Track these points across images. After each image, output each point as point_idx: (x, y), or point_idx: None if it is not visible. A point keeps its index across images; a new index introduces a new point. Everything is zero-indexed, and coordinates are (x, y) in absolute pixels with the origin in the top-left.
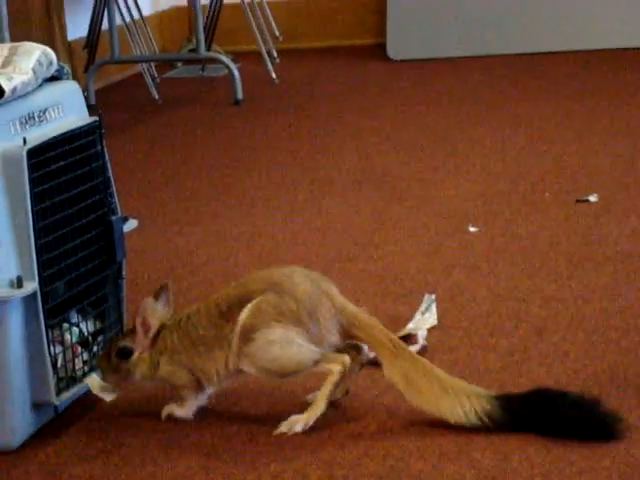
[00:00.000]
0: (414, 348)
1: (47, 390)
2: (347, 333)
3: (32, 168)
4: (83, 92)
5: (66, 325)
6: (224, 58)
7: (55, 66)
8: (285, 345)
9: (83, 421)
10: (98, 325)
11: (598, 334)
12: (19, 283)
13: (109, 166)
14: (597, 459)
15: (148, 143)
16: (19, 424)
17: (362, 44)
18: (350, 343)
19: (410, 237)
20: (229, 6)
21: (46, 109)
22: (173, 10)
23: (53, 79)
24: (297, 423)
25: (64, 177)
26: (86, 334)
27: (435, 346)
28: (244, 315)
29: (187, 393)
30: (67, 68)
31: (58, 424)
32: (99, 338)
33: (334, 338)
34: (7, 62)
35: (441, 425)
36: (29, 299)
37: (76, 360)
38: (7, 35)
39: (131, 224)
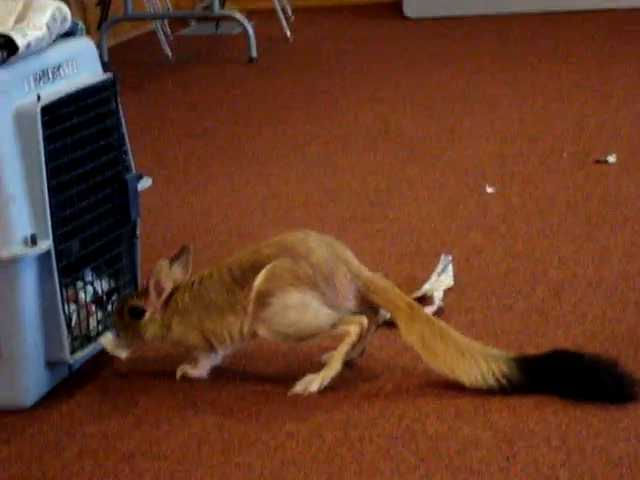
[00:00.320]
0: (430, 309)
1: (61, 349)
2: (363, 298)
3: (46, 125)
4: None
5: (80, 284)
6: (238, 16)
7: (69, 22)
8: (302, 309)
9: (97, 380)
10: (112, 284)
11: (616, 296)
12: (33, 241)
13: (123, 123)
14: (614, 421)
15: (161, 101)
16: (33, 383)
17: (379, 2)
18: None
19: (426, 198)
20: None
21: (60, 65)
22: None
23: (67, 35)
24: (312, 383)
25: (78, 134)
26: (100, 293)
27: (451, 307)
28: (259, 280)
29: (199, 353)
30: (81, 24)
31: (72, 383)
32: (113, 297)
33: (350, 303)
34: (21, 17)
35: (458, 386)
36: (43, 257)
37: (90, 319)
38: None
39: (145, 182)
